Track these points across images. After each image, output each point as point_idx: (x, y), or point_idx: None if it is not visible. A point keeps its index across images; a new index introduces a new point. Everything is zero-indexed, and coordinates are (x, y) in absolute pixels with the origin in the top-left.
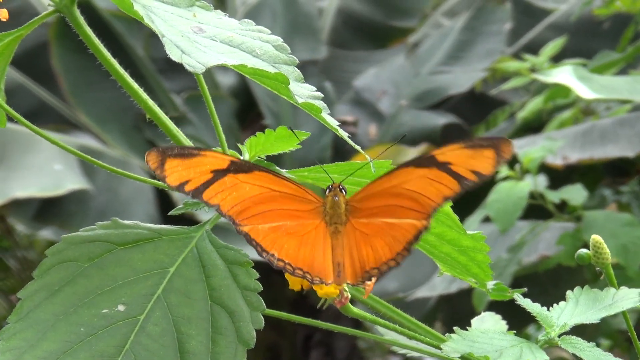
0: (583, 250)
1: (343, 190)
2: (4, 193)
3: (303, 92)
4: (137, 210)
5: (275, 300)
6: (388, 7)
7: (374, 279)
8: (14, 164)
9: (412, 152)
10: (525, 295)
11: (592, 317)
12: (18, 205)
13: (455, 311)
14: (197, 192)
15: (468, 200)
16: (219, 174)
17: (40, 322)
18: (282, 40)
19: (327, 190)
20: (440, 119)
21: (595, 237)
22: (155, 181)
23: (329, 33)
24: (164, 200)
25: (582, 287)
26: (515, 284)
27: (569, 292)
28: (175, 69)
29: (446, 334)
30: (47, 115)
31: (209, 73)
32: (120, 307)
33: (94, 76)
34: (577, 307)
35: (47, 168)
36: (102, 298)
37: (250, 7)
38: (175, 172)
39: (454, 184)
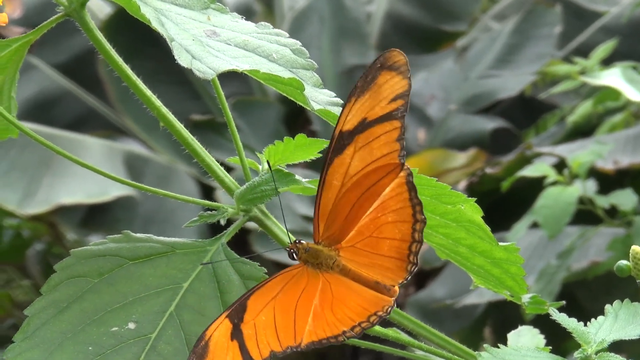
0: (622, 262)
1: (301, 242)
2: (50, 199)
3: (321, 98)
4: (183, 218)
5: None
6: (437, 11)
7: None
8: (60, 170)
9: (461, 157)
10: (575, 301)
11: (632, 332)
12: (65, 212)
13: (505, 317)
14: None
15: (515, 206)
16: None
17: (47, 341)
18: (300, 43)
19: (292, 254)
20: (489, 124)
21: (636, 248)
22: (200, 200)
23: (378, 37)
24: (211, 207)
25: (631, 296)
26: (566, 290)
27: (607, 306)
28: (223, 75)
29: (476, 352)
30: (94, 121)
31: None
32: (131, 325)
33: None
34: (617, 322)
35: (93, 174)
36: (111, 315)
37: (298, 12)
38: None
39: (388, 124)
